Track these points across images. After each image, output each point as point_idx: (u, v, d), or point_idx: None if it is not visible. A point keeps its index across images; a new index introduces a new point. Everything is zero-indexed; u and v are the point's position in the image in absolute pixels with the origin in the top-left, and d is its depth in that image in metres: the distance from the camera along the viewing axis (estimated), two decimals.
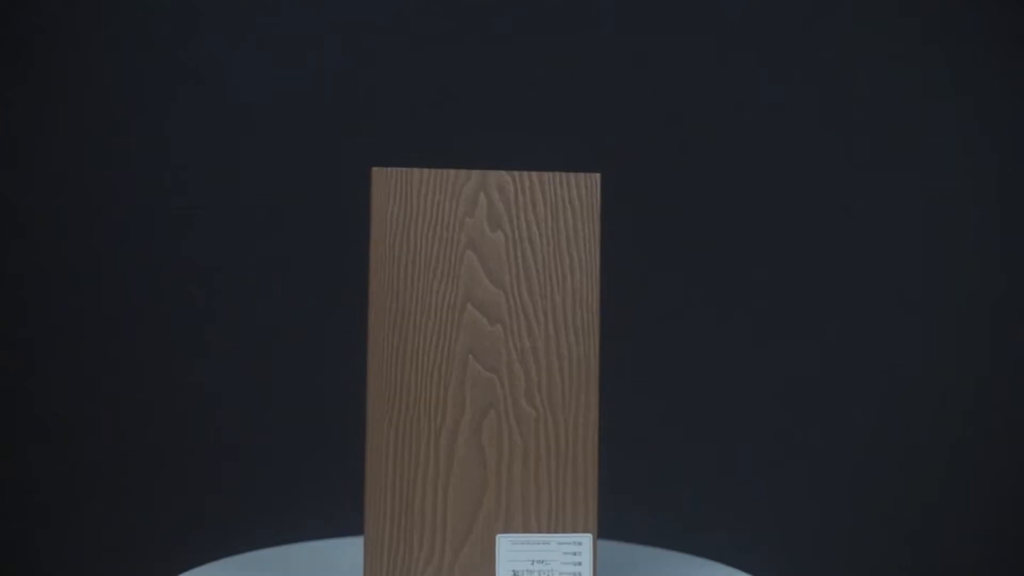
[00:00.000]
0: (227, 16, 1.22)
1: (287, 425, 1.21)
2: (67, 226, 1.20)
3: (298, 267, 1.22)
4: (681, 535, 1.13)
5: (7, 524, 1.20)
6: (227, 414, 1.21)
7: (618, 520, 1.11)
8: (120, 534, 1.20)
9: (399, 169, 0.72)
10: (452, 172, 0.72)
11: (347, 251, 1.20)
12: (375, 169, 0.72)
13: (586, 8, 1.22)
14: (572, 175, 0.74)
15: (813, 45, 1.20)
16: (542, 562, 0.72)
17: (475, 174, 0.73)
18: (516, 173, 0.73)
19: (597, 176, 0.74)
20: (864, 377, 1.19)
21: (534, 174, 0.73)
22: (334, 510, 1.17)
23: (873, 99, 1.19)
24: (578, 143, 1.20)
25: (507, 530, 0.72)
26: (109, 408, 1.20)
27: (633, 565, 0.87)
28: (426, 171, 0.72)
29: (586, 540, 0.73)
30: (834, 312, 1.19)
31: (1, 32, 1.20)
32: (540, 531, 0.72)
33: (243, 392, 1.21)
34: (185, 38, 1.21)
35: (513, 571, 0.72)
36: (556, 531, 0.73)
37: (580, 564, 0.72)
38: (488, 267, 0.72)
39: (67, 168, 1.21)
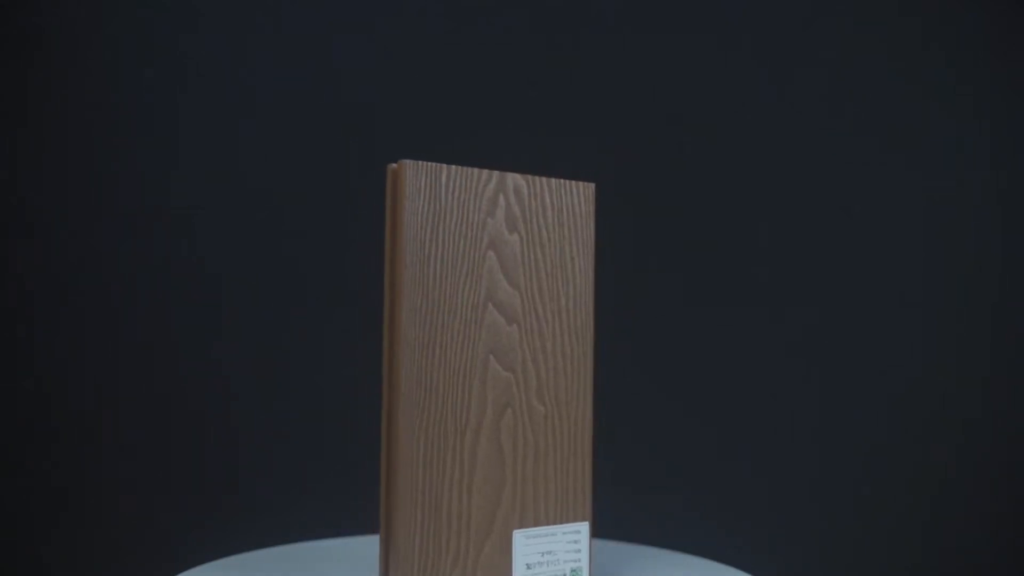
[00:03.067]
0: (227, 16, 1.22)
1: (287, 425, 1.21)
2: (67, 226, 1.20)
3: (298, 267, 1.22)
4: (681, 535, 1.13)
5: (7, 524, 1.20)
6: (228, 414, 1.21)
7: (619, 519, 1.11)
8: (120, 534, 1.20)
9: (430, 163, 0.71)
10: (475, 171, 0.73)
11: (347, 251, 1.20)
12: (406, 162, 0.70)
13: (586, 8, 1.22)
14: (572, 183, 0.77)
15: (813, 45, 1.20)
16: (550, 552, 0.75)
17: (495, 175, 0.74)
18: (529, 177, 0.75)
19: (592, 186, 0.78)
20: (864, 378, 1.19)
21: (543, 179, 0.76)
22: (334, 510, 1.17)
23: (873, 99, 1.19)
24: (578, 143, 1.20)
25: (521, 525, 0.74)
26: (109, 408, 1.20)
27: (633, 565, 0.87)
28: (453, 168, 0.72)
29: (584, 528, 0.77)
30: (834, 312, 1.19)
31: (1, 32, 1.20)
32: (548, 524, 0.75)
33: (243, 392, 1.21)
34: (185, 38, 1.21)
35: (526, 564, 0.74)
36: (560, 522, 0.76)
37: (579, 551, 0.77)
38: (506, 268, 0.74)
39: (67, 168, 1.21)
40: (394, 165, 0.72)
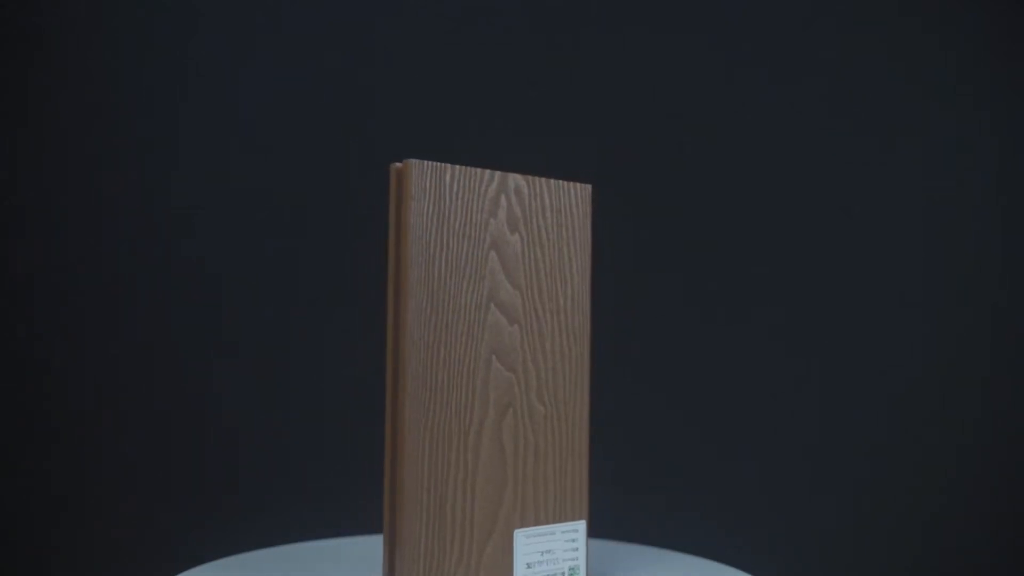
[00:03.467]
0: (227, 16, 1.22)
1: (287, 425, 1.21)
2: (67, 226, 1.20)
3: (298, 267, 1.22)
4: (681, 535, 1.13)
5: (8, 524, 1.20)
6: (227, 414, 1.21)
7: (619, 519, 1.11)
8: (120, 534, 1.20)
9: (434, 163, 0.71)
10: (478, 171, 0.73)
11: (347, 251, 1.20)
12: (412, 161, 0.70)
13: (586, 8, 1.22)
14: (570, 184, 0.78)
15: (813, 45, 1.20)
16: (549, 551, 0.76)
17: (497, 175, 0.74)
18: (529, 177, 0.76)
19: (589, 187, 0.79)
20: (864, 377, 1.19)
21: (542, 179, 0.76)
22: (334, 510, 1.17)
23: (873, 99, 1.19)
24: (578, 143, 1.20)
25: (522, 524, 0.75)
26: (110, 408, 1.20)
27: (632, 565, 0.87)
28: (457, 168, 0.72)
29: (581, 526, 0.78)
30: (834, 312, 1.19)
31: (1, 32, 1.20)
32: (547, 523, 0.76)
33: (243, 392, 1.21)
34: (185, 38, 1.21)
35: (527, 563, 0.75)
36: (559, 521, 0.76)
37: (577, 549, 0.77)
38: (507, 268, 0.74)
39: (67, 169, 1.21)
40: (398, 164, 0.72)
